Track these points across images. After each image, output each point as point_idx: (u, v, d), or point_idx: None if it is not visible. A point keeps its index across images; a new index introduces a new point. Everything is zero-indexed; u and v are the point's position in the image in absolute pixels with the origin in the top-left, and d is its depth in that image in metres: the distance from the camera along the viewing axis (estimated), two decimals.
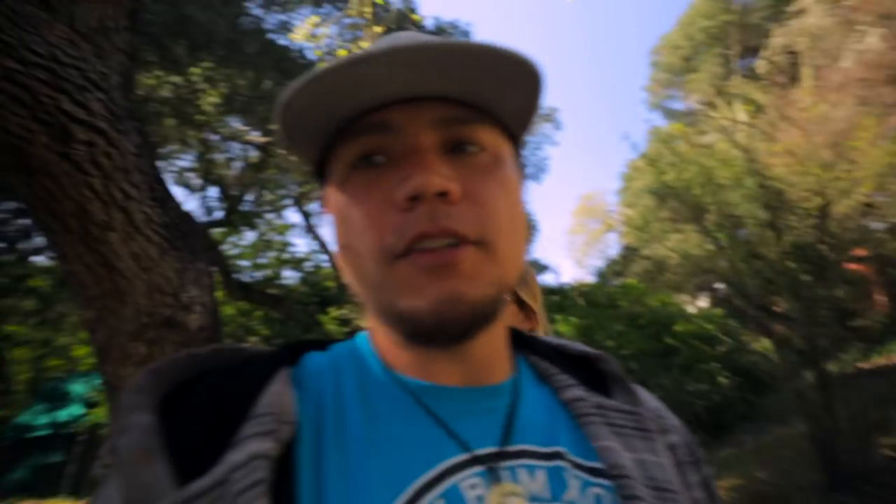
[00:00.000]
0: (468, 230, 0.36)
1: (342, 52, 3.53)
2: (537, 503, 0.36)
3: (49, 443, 10.53)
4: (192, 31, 4.59)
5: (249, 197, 8.39)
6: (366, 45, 3.31)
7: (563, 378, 0.45)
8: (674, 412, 0.50)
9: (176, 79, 5.24)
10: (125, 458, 0.30)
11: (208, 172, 6.60)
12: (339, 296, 9.64)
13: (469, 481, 0.36)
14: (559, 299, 8.69)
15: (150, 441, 0.30)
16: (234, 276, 9.07)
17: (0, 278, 6.45)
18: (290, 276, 11.16)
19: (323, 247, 11.50)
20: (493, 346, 0.42)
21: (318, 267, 11.42)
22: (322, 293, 9.86)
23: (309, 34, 3.01)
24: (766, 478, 4.85)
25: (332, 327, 8.64)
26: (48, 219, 1.17)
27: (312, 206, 11.88)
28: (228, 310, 9.77)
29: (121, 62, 1.18)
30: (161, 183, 1.34)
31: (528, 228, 0.45)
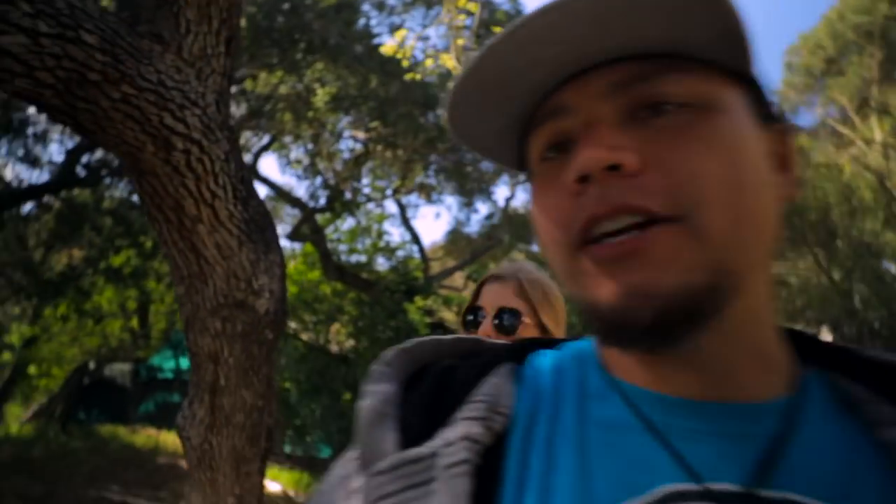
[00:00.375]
0: (654, 203, 0.30)
1: (443, 57, 3.63)
2: None
3: (171, 384, 12.21)
4: (308, 36, 5.04)
5: (351, 186, 9.01)
6: (457, 49, 3.39)
7: (883, 410, 0.33)
8: None
9: (293, 79, 5.78)
10: (364, 418, 0.35)
11: (316, 162, 7.20)
12: (426, 287, 9.99)
13: None
14: None
15: (386, 407, 0.35)
16: (333, 258, 9.81)
17: (145, 242, 7.62)
18: (382, 263, 11.75)
19: (415, 238, 11.97)
20: (742, 348, 0.33)
21: (409, 257, 11.90)
22: (410, 282, 10.25)
23: (397, 48, 3.18)
24: None
25: (415, 316, 8.98)
26: (154, 210, 1.42)
27: (409, 199, 12.38)
28: (324, 288, 10.56)
29: (217, 82, 1.40)
30: (245, 183, 1.56)
31: (773, 188, 0.35)
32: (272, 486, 7.39)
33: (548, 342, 0.42)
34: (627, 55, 0.33)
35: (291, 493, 7.42)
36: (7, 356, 12.29)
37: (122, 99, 1.11)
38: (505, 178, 11.16)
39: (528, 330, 1.06)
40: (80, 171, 7.49)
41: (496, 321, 1.04)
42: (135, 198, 7.75)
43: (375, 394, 0.36)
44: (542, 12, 0.31)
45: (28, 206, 8.08)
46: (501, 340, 1.05)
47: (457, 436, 0.32)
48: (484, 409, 0.34)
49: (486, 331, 1.03)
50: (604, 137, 0.32)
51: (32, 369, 12.36)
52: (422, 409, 0.35)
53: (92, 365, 12.77)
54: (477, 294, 1.09)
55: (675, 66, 0.33)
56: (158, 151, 1.26)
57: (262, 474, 1.89)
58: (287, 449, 9.68)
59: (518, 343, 0.42)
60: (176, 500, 6.33)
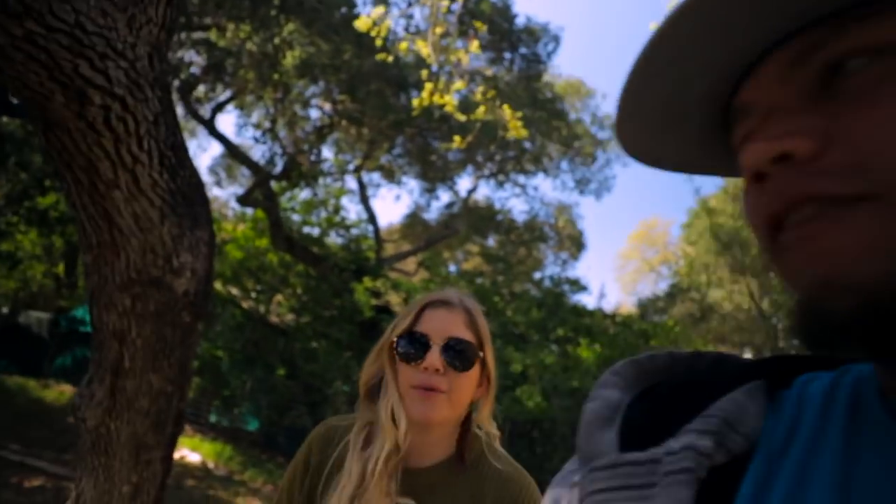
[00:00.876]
0: (836, 186, 0.26)
1: (419, 43, 3.44)
2: None
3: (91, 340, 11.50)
4: None
5: (311, 157, 8.67)
6: (434, 38, 3.25)
7: None
8: None
9: (261, 36, 5.45)
10: (587, 419, 0.36)
11: (276, 127, 6.86)
12: (377, 268, 9.84)
13: None
14: (588, 323, 8.46)
15: (609, 412, 0.35)
16: (284, 228, 9.47)
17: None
18: (334, 239, 11.51)
19: (371, 217, 11.75)
20: None
21: (363, 236, 11.70)
22: (361, 262, 10.07)
23: (371, 25, 3.02)
24: None
25: (361, 297, 8.84)
26: (62, 167, 1.25)
27: (370, 177, 12.13)
28: (271, 257, 10.23)
29: (152, 33, 1.24)
30: (176, 150, 1.40)
31: None
32: (192, 456, 7.13)
33: (817, 360, 0.36)
34: (801, 26, 0.28)
35: (211, 464, 7.17)
36: None
37: (26, 37, 0.95)
38: (469, 169, 11.12)
39: (476, 367, 0.91)
40: (13, 99, 6.81)
41: (446, 353, 0.88)
42: None
43: (600, 399, 0.36)
44: (665, 29, 0.28)
45: None
46: (445, 379, 0.87)
47: (681, 445, 0.30)
48: (716, 423, 0.31)
49: (434, 363, 0.86)
50: (772, 127, 0.28)
51: None
52: (648, 418, 0.34)
53: (5, 309, 11.83)
54: (416, 319, 0.91)
55: (860, 15, 0.26)
56: (70, 103, 1.10)
57: (166, 462, 1.76)
58: (213, 419, 9.36)
59: (778, 361, 0.37)
60: None
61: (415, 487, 0.86)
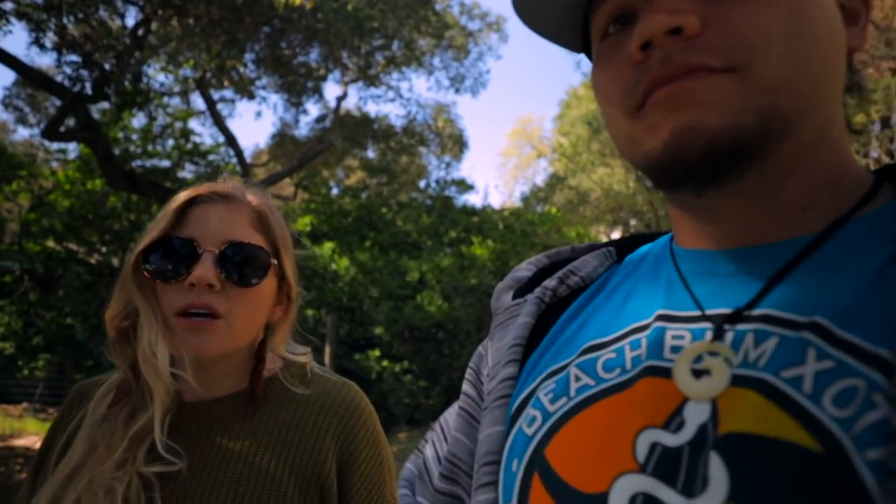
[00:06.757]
0: (713, 59, 0.33)
1: None
2: (746, 369, 0.33)
3: None
4: None
5: (132, 70, 7.00)
6: None
7: None
8: None
9: None
10: (497, 289, 0.56)
11: (63, 31, 5.24)
12: None
13: (678, 332, 0.37)
14: (479, 221, 8.49)
15: (512, 282, 0.56)
16: (123, 164, 7.88)
17: None
18: (191, 171, 10.09)
19: (230, 139, 10.26)
20: (781, 190, 0.36)
21: (225, 163, 10.37)
22: None
23: None
24: None
25: None
26: None
27: (221, 93, 10.50)
28: (114, 200, 8.70)
29: None
30: None
31: (841, 38, 0.36)
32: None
33: (653, 235, 0.51)
34: None
35: None
36: None
37: None
38: (336, 75, 9.97)
39: (269, 282, 0.71)
40: None
41: (223, 263, 0.66)
42: None
43: (509, 277, 0.54)
44: None
45: None
46: (222, 297, 0.69)
47: (539, 288, 0.49)
48: (564, 271, 0.49)
49: (204, 276, 0.64)
50: (665, 4, 0.34)
51: None
52: (531, 282, 0.51)
53: None
54: (176, 220, 0.67)
55: None
56: None
57: None
58: None
59: (631, 236, 0.52)
60: None
61: (199, 423, 0.68)
